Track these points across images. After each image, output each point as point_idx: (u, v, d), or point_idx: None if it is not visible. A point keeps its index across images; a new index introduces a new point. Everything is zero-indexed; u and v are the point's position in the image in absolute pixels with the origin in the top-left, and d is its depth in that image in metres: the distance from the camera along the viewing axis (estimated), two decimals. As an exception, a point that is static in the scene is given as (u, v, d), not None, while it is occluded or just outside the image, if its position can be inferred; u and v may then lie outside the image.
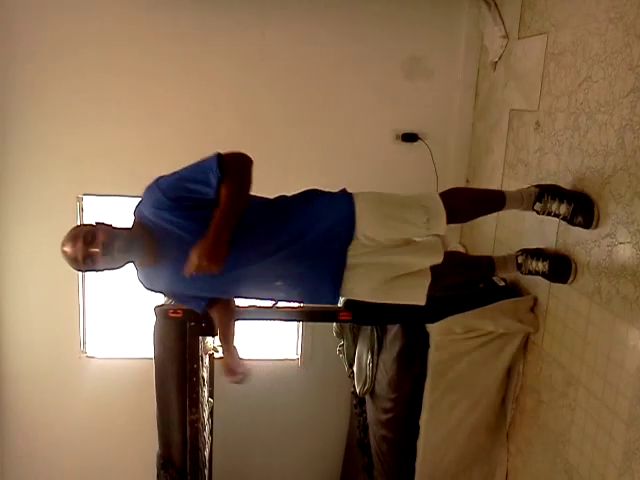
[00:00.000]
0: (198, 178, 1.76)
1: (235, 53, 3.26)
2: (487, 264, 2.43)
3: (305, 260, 1.87)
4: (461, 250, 3.33)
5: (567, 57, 2.37)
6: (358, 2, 3.22)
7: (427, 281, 2.01)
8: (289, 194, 1.96)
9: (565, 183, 2.30)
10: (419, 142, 3.37)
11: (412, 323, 2.61)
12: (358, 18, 3.26)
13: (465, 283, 2.57)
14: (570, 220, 2.13)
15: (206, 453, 2.97)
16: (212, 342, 3.09)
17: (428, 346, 2.53)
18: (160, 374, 2.54)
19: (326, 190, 1.97)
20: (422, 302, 2.03)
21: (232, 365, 2.12)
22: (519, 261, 2.37)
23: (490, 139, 3.14)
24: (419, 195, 1.98)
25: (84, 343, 3.62)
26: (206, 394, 2.98)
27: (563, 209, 2.11)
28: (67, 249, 1.74)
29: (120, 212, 3.49)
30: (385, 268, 1.96)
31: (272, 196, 1.96)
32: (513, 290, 2.66)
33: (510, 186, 2.69)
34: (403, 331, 2.65)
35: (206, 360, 3.01)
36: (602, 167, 2.08)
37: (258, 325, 3.46)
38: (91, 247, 1.72)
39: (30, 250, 3.42)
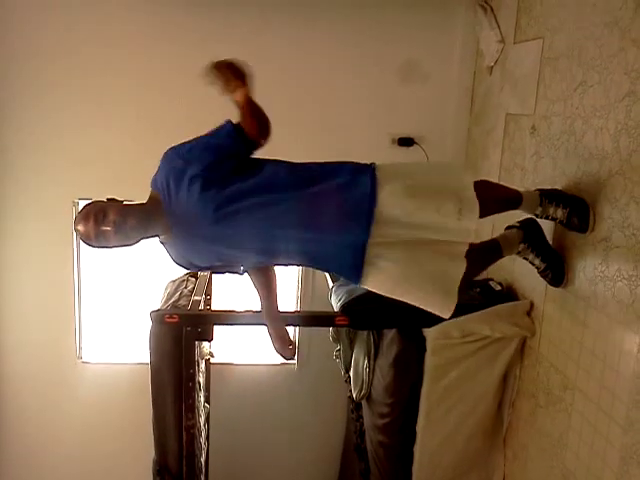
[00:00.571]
0: (216, 137, 1.87)
1: (232, 57, 3.25)
2: (495, 247, 2.28)
3: (329, 234, 1.82)
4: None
5: (563, 62, 2.37)
6: (354, 6, 3.23)
7: (455, 298, 1.88)
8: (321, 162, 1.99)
9: (561, 187, 2.31)
10: (415, 146, 3.37)
11: (408, 328, 2.61)
12: (354, 22, 3.26)
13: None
14: (566, 224, 2.14)
15: (202, 459, 2.96)
16: (208, 347, 3.08)
17: (425, 351, 2.53)
18: (156, 379, 2.53)
19: (355, 164, 1.91)
20: (447, 316, 1.93)
21: (282, 333, 2.09)
22: (519, 249, 2.27)
23: (486, 143, 3.15)
24: (455, 185, 1.86)
25: (80, 348, 3.61)
26: (202, 400, 2.97)
27: (559, 213, 2.13)
28: (80, 227, 1.75)
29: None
30: (410, 263, 1.86)
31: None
32: (509, 294, 2.66)
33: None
34: (400, 336, 2.64)
35: (202, 365, 3.00)
36: (598, 171, 2.08)
37: (255, 330, 3.46)
38: (103, 225, 1.71)
39: (26, 254, 3.42)
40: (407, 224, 1.80)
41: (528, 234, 2.23)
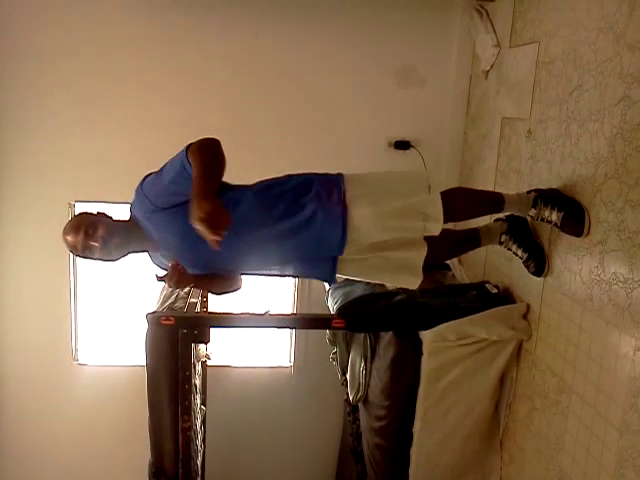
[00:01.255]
0: (177, 177, 1.79)
1: (229, 59, 3.27)
2: (474, 236, 2.46)
3: (302, 250, 1.95)
4: (454, 259, 3.33)
5: (558, 66, 2.39)
6: (352, 10, 3.24)
7: (420, 276, 2.11)
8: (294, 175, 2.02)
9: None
10: (411, 150, 3.38)
11: (405, 330, 2.61)
12: (352, 25, 3.28)
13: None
14: (561, 227, 2.16)
15: (198, 461, 2.95)
16: (205, 349, 3.07)
17: (421, 353, 2.53)
18: (152, 382, 2.53)
19: (322, 179, 1.98)
20: (414, 287, 2.14)
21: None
22: (502, 240, 2.42)
23: (482, 147, 3.16)
24: (420, 200, 1.97)
25: (76, 350, 3.60)
26: (198, 402, 2.97)
27: (554, 216, 2.15)
28: (69, 237, 1.83)
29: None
30: (377, 261, 2.06)
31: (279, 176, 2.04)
32: (506, 297, 2.67)
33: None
34: (396, 338, 2.64)
35: (198, 368, 3.00)
36: (593, 175, 2.10)
37: (251, 332, 3.46)
38: (91, 240, 1.80)
39: (22, 257, 3.41)
40: (375, 240, 1.99)
41: (512, 226, 2.37)
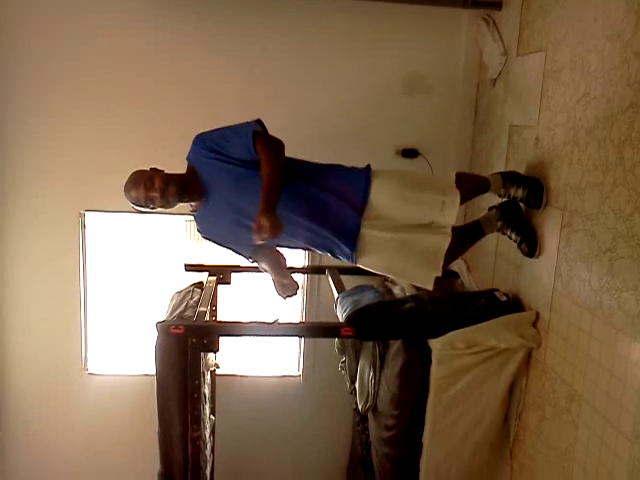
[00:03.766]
0: (235, 141, 2.11)
1: (237, 70, 3.30)
2: (477, 227, 2.63)
3: (325, 219, 2.19)
4: (463, 266, 3.33)
5: (565, 74, 2.39)
6: (359, 19, 3.26)
7: (438, 273, 2.26)
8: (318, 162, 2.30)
9: (565, 197, 2.32)
10: (419, 157, 3.39)
11: (414, 338, 2.61)
12: (359, 34, 3.30)
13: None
14: (525, 202, 2.49)
15: (207, 471, 2.95)
16: (214, 358, 3.08)
17: (430, 362, 2.52)
18: (162, 391, 2.53)
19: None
20: (430, 287, 2.30)
21: (283, 279, 2.40)
22: (498, 226, 2.60)
23: (490, 154, 3.16)
24: (439, 182, 2.30)
25: (86, 360, 3.62)
26: (208, 411, 2.97)
27: (520, 192, 2.49)
28: (132, 192, 2.11)
29: (123, 228, 3.52)
30: (398, 243, 2.23)
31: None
32: (515, 305, 2.66)
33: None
34: (405, 347, 2.64)
35: (208, 377, 3.00)
36: (602, 182, 2.09)
37: (260, 341, 3.46)
38: (151, 191, 2.08)
39: (32, 266, 3.44)
40: (396, 211, 2.20)
41: (505, 211, 2.57)
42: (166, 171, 2.17)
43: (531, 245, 2.51)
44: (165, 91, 3.27)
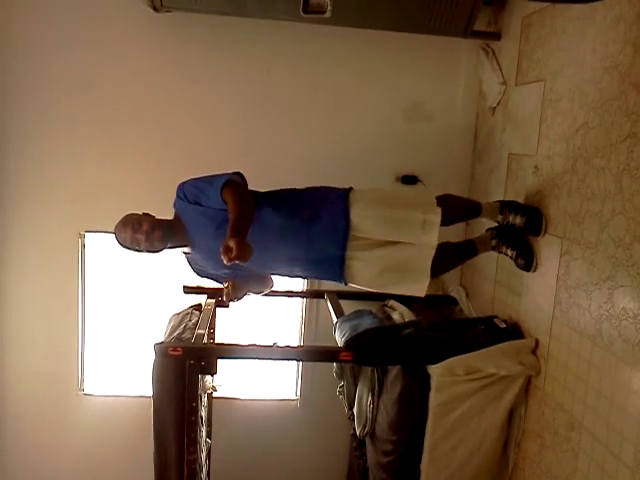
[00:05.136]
0: (206, 191, 2.21)
1: (241, 95, 3.34)
2: (470, 246, 2.68)
3: (312, 249, 2.26)
4: (462, 293, 3.34)
5: (564, 103, 2.43)
6: (362, 47, 3.32)
7: (427, 278, 2.30)
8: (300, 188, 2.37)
9: (564, 225, 2.34)
10: (419, 184, 3.41)
11: (413, 364, 2.60)
12: (361, 62, 3.35)
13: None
14: (524, 229, 2.51)
15: (202, 496, 2.91)
16: (211, 381, 3.06)
17: (429, 388, 2.51)
18: (158, 413, 2.51)
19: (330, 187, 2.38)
20: (422, 294, 2.33)
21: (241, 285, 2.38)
22: (493, 244, 2.65)
23: (489, 182, 3.19)
24: (421, 200, 2.37)
25: (82, 380, 3.59)
26: (204, 434, 2.94)
27: (518, 220, 2.52)
28: (120, 233, 2.19)
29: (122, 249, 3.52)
30: (385, 259, 2.28)
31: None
32: (514, 332, 2.66)
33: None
34: (404, 372, 2.63)
35: (205, 399, 2.98)
36: (601, 210, 2.11)
37: (257, 364, 3.44)
38: (137, 233, 2.16)
39: (31, 285, 3.42)
40: (378, 233, 2.25)
41: (500, 231, 2.63)
42: (158, 216, 2.25)
43: (528, 258, 2.54)
44: (167, 112, 3.30)
